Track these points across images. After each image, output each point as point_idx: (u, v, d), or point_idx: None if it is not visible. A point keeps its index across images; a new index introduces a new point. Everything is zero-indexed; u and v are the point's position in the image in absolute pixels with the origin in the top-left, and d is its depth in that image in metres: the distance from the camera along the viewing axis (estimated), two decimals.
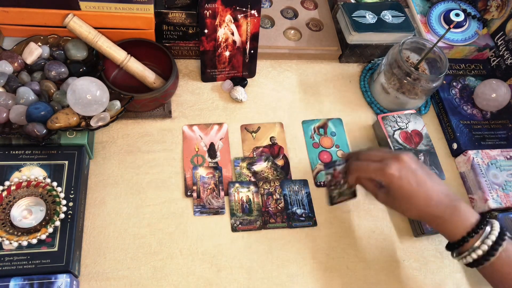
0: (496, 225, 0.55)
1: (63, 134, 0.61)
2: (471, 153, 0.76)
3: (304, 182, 0.71)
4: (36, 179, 0.57)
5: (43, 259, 0.54)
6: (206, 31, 0.72)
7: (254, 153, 0.73)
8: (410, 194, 0.57)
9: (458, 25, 0.89)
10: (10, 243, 0.52)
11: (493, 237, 0.53)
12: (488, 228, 0.54)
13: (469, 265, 0.55)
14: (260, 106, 0.78)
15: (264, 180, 0.70)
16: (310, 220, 0.68)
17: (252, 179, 0.69)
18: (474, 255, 0.54)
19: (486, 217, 0.56)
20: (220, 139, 0.73)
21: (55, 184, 0.57)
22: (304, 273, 0.64)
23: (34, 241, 0.53)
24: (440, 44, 0.84)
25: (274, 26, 0.85)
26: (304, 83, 0.83)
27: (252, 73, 0.81)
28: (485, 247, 0.53)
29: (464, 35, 0.89)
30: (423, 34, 0.89)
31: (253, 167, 0.71)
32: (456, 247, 0.56)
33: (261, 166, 0.71)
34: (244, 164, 0.71)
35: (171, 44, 0.77)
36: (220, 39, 0.74)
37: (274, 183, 0.69)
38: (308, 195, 0.70)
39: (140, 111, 0.71)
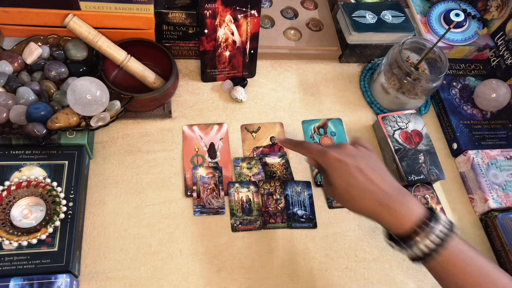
0: (445, 220, 0.51)
1: (63, 134, 0.61)
2: (471, 153, 0.76)
3: (307, 184, 0.71)
4: (36, 179, 0.57)
5: (43, 259, 0.54)
6: (206, 31, 0.72)
7: (254, 153, 0.73)
8: (351, 182, 0.52)
9: (458, 25, 0.89)
10: (10, 243, 0.52)
11: (442, 232, 0.49)
12: (437, 222, 0.50)
13: (415, 259, 0.51)
14: (260, 106, 0.78)
15: (269, 173, 0.70)
16: (310, 222, 0.68)
17: (252, 179, 0.70)
18: (423, 247, 0.49)
19: (434, 210, 0.52)
20: (220, 139, 0.73)
21: (55, 184, 0.57)
22: (304, 273, 0.64)
23: (34, 241, 0.53)
24: (440, 44, 0.84)
25: (274, 26, 0.85)
26: (304, 83, 0.83)
27: (252, 73, 0.81)
28: (435, 240, 0.49)
29: (464, 35, 0.89)
30: (423, 34, 0.89)
31: (266, 158, 0.71)
32: (403, 238, 0.51)
33: (274, 160, 0.71)
34: (244, 164, 0.71)
35: (171, 44, 0.77)
36: (220, 39, 0.74)
37: (275, 183, 0.69)
38: (310, 197, 0.70)
39: (140, 111, 0.71)
